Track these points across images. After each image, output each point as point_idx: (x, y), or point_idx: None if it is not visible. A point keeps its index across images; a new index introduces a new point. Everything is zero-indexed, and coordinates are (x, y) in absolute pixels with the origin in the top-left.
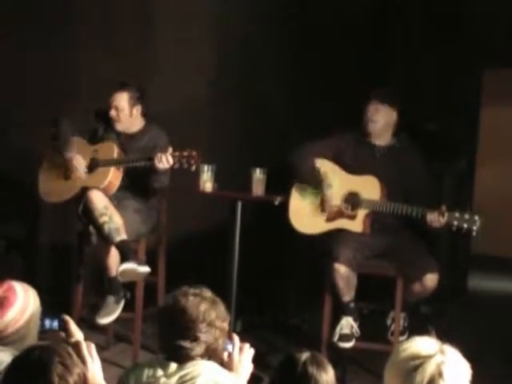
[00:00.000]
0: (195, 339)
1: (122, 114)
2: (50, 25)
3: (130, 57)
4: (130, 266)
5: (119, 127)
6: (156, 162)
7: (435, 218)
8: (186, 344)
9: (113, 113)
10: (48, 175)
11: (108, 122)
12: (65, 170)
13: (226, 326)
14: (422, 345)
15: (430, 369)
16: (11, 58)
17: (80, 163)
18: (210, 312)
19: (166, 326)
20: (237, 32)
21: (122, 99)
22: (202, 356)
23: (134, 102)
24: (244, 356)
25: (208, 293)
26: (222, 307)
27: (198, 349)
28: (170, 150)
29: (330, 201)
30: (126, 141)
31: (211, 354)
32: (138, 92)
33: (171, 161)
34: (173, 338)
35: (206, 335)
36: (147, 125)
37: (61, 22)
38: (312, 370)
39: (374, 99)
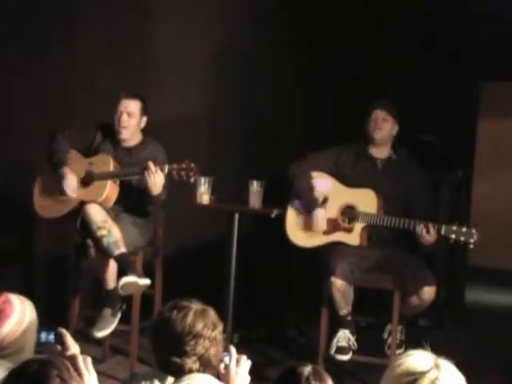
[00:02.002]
0: (183, 354)
1: (132, 121)
2: (50, 37)
3: (130, 70)
4: (130, 279)
5: (125, 135)
6: (146, 173)
7: (420, 232)
8: (176, 359)
9: (124, 118)
10: (44, 190)
11: (106, 135)
12: (61, 185)
13: (217, 333)
14: (417, 360)
15: None
16: (10, 70)
17: (71, 182)
18: (195, 323)
19: (154, 343)
20: (237, 45)
21: (135, 106)
22: (197, 369)
23: (142, 113)
24: (241, 368)
25: (196, 303)
26: (211, 315)
27: (189, 362)
28: (166, 167)
29: (318, 220)
30: (123, 154)
31: (205, 364)
32: (145, 104)
33: (161, 176)
34: (163, 354)
35: (193, 347)
36: (145, 140)
37: (61, 35)
38: None
39: (383, 108)
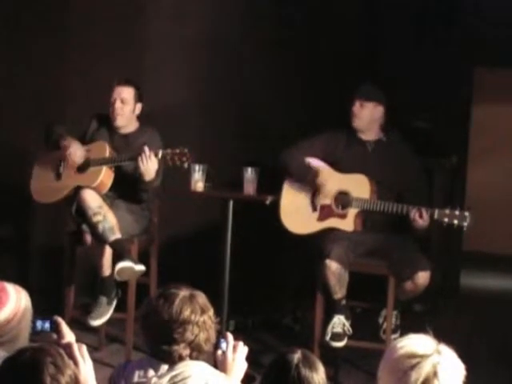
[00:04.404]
0: (172, 341)
1: (127, 107)
2: (46, 26)
3: (124, 58)
4: (126, 264)
5: (120, 122)
6: (139, 158)
7: (413, 217)
8: (165, 347)
9: (118, 105)
10: (40, 176)
11: (101, 123)
12: (56, 170)
13: (205, 318)
14: (419, 344)
15: (426, 368)
16: (6, 58)
17: (77, 149)
18: (182, 310)
19: (144, 332)
20: (228, 32)
21: (128, 93)
22: (189, 354)
23: (137, 99)
24: (238, 354)
25: (183, 289)
26: (200, 300)
27: (178, 349)
28: (160, 152)
29: (324, 189)
30: (120, 141)
31: (196, 350)
32: (139, 90)
33: (154, 162)
34: (153, 343)
35: (181, 335)
36: (141, 127)
37: (56, 24)
38: (305, 371)
39: (360, 97)
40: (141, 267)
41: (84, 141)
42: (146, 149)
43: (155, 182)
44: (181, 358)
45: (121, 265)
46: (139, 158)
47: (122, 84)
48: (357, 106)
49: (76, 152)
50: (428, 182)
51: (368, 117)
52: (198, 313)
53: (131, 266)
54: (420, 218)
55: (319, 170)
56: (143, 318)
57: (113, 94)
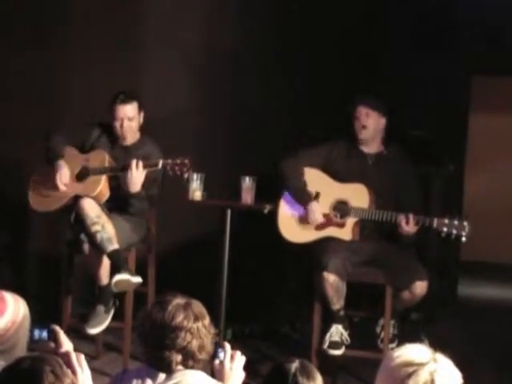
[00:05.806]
0: (164, 347)
1: (134, 123)
2: (43, 36)
3: (119, 66)
4: (123, 276)
5: (130, 140)
6: (129, 168)
7: (401, 222)
8: (157, 353)
9: (127, 124)
10: (39, 185)
11: (103, 132)
12: (55, 179)
13: (199, 325)
14: (415, 352)
15: (423, 376)
16: (3, 68)
17: (64, 174)
18: (174, 316)
19: (140, 339)
20: (225, 40)
21: (133, 109)
22: (183, 362)
23: (140, 111)
24: (235, 364)
25: (179, 297)
26: (195, 308)
27: (170, 355)
28: (160, 162)
29: (313, 214)
30: (120, 152)
31: (189, 357)
32: (140, 99)
33: (141, 174)
34: (147, 349)
35: (172, 340)
36: (142, 137)
37: (53, 33)
38: (302, 380)
39: (364, 105)
40: (138, 279)
41: (84, 149)
42: (134, 162)
43: (149, 191)
44: (174, 365)
45: (118, 277)
46: (128, 169)
47: (126, 102)
48: (363, 116)
49: (61, 178)
50: (423, 196)
51: (373, 126)
52: (190, 319)
53: (128, 279)
54: (406, 225)
55: (313, 200)
56: (139, 325)
57: (117, 114)
